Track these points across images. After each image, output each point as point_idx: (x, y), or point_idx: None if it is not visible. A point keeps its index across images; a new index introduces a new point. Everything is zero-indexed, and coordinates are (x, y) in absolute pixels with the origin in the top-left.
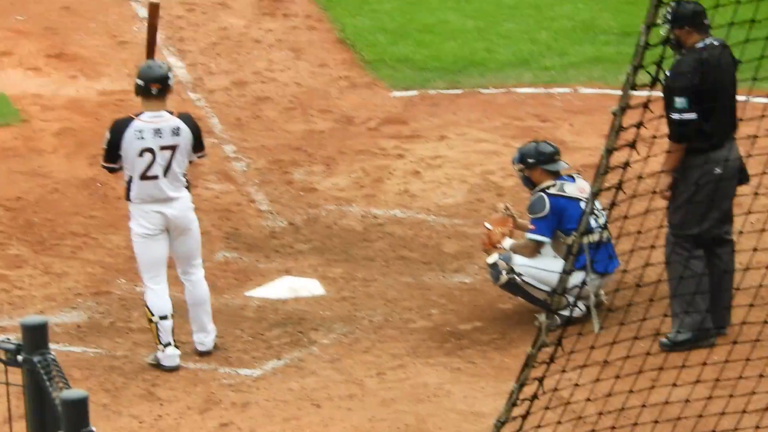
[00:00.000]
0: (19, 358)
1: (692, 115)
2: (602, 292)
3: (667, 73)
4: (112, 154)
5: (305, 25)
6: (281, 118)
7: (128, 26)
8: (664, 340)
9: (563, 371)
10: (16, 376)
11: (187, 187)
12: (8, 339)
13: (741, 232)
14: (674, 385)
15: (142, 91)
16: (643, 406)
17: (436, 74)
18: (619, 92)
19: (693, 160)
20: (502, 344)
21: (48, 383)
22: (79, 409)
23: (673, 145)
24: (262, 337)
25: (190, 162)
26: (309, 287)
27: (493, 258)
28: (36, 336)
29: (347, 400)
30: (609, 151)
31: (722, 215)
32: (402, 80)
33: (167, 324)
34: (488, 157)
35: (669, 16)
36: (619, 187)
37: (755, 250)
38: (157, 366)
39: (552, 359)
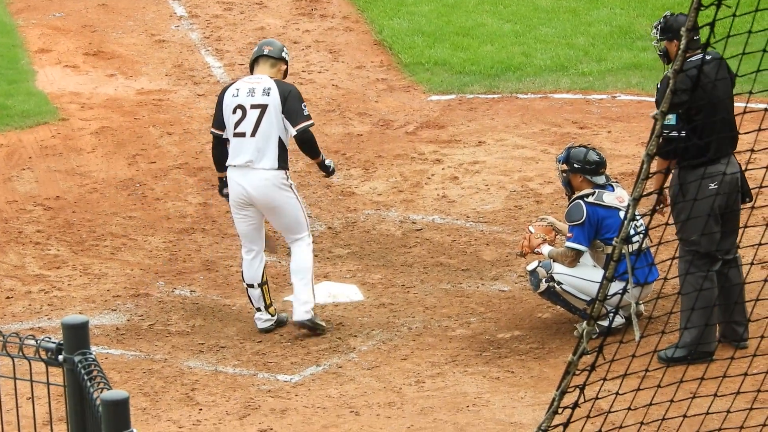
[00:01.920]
0: (60, 357)
1: (681, 132)
2: (641, 302)
3: (658, 86)
4: (218, 117)
5: (342, 26)
6: (319, 120)
7: (166, 25)
8: (661, 353)
9: (604, 380)
10: (56, 377)
11: (282, 167)
12: (49, 338)
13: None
14: (715, 395)
15: (255, 55)
16: (684, 416)
17: (474, 78)
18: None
19: (688, 176)
20: (541, 354)
21: (89, 383)
22: (120, 410)
23: (661, 161)
24: (301, 342)
25: (296, 140)
26: (348, 293)
27: (532, 265)
28: (77, 336)
29: (386, 408)
30: (650, 156)
31: (725, 231)
32: (439, 84)
33: (254, 292)
34: (527, 163)
35: (659, 27)
36: (660, 192)
37: None
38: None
39: (593, 367)
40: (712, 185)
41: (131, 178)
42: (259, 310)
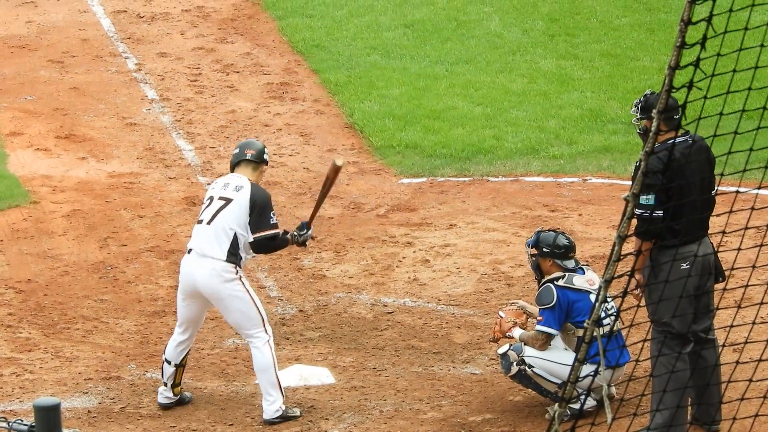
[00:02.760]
0: None
1: (659, 213)
2: (613, 384)
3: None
4: None
5: (313, 109)
6: (290, 203)
7: (137, 108)
8: None
9: None
10: None
11: (231, 260)
12: (21, 420)
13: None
14: None
15: (236, 159)
16: None
17: (445, 161)
18: (628, 182)
19: (662, 257)
20: None
21: None
22: None
23: (639, 242)
24: (273, 426)
25: (252, 245)
26: (319, 376)
27: (504, 348)
28: (49, 418)
29: None
30: (621, 238)
31: (698, 311)
32: (410, 167)
33: (168, 368)
34: (498, 246)
35: (639, 106)
36: (631, 274)
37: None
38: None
39: None
40: (685, 266)
41: (102, 261)
42: (165, 385)
